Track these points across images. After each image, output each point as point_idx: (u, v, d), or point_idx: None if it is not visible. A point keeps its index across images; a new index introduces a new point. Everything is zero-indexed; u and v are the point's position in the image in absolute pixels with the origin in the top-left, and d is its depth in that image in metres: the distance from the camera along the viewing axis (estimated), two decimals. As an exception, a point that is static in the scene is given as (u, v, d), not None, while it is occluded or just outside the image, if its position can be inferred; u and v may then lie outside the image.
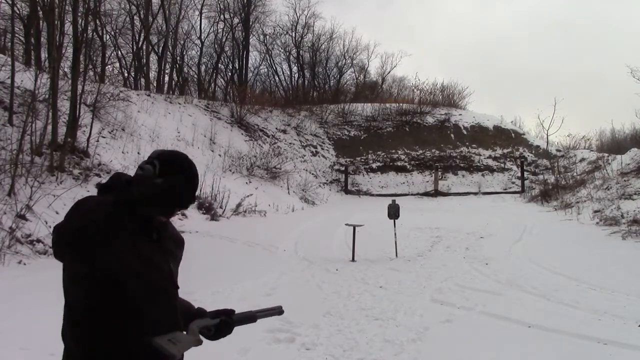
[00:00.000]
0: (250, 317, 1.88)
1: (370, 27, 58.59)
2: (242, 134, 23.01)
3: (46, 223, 8.61)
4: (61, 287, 1.58)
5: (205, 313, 1.84)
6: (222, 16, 31.13)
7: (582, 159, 22.08)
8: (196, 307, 1.89)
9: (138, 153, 15.00)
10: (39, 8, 14.96)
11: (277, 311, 1.97)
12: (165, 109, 20.73)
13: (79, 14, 12.63)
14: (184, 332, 1.67)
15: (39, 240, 8.15)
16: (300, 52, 33.47)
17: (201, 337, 1.72)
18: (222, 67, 32.94)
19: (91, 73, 20.47)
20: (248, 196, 15.81)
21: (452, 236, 12.18)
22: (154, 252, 1.66)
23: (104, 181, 1.68)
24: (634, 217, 12.23)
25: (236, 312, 1.86)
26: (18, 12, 17.19)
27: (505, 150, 25.24)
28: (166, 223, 1.77)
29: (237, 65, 32.17)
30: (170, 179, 1.60)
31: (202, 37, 31.39)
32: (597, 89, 64.72)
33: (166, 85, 28.07)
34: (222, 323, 1.78)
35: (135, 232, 1.60)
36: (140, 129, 16.71)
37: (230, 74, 32.93)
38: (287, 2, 43.36)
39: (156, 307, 1.60)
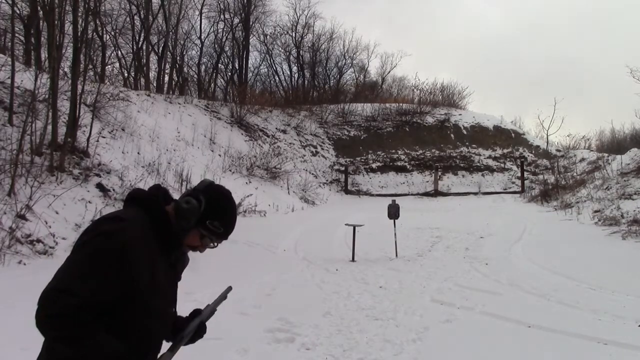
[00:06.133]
0: (211, 311, 1.92)
1: (376, 22, 58.59)
2: (242, 134, 23.00)
3: (46, 223, 8.61)
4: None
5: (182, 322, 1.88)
6: (222, 16, 31.15)
7: (582, 159, 22.08)
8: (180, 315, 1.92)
9: (138, 153, 14.99)
10: (39, 8, 14.95)
11: (227, 292, 2.01)
12: (165, 109, 20.72)
13: (79, 14, 12.61)
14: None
15: (39, 240, 8.15)
16: (300, 52, 33.47)
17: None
18: (222, 67, 32.96)
19: (91, 73, 20.47)
20: (248, 196, 15.81)
21: (452, 236, 12.17)
22: (167, 276, 1.70)
23: (145, 186, 1.72)
24: (634, 217, 12.22)
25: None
26: (18, 12, 17.17)
27: (505, 150, 25.23)
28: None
29: (237, 65, 32.18)
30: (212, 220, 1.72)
31: (202, 37, 31.41)
32: (597, 89, 64.73)
33: (166, 85, 28.06)
34: (200, 328, 1.86)
35: (157, 252, 1.64)
36: (140, 129, 16.69)
37: (230, 74, 32.94)
38: (287, 2, 43.42)
39: (145, 328, 1.62)
